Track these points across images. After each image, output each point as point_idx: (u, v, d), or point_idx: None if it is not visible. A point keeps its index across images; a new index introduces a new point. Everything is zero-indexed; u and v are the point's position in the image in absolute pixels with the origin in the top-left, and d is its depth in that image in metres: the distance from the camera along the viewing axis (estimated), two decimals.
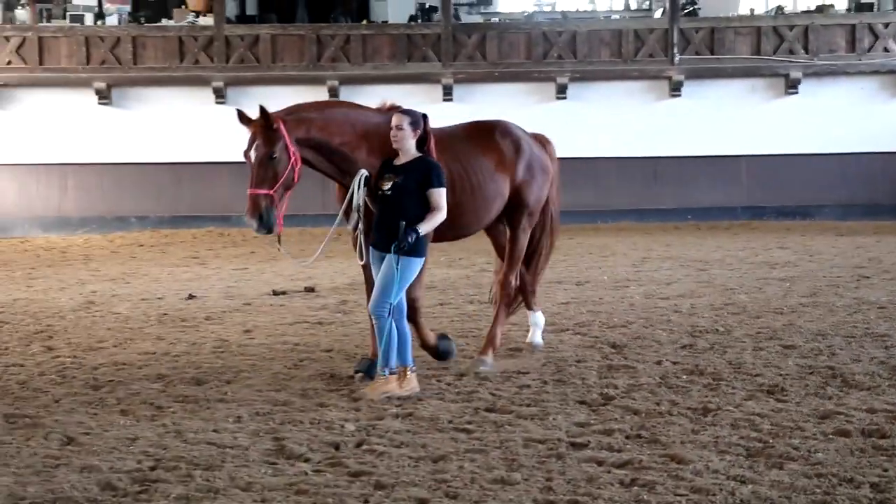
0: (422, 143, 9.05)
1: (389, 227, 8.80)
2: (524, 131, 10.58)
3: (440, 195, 8.89)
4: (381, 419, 8.15)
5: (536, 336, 10.94)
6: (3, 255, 21.38)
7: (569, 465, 6.91)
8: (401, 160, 9.01)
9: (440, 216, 8.89)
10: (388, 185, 8.88)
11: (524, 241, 10.42)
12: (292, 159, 8.94)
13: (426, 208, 8.85)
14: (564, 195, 25.26)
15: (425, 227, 8.80)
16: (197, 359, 10.67)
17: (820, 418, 8.00)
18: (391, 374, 8.85)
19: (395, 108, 9.58)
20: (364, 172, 9.04)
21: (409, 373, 8.92)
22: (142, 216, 25.66)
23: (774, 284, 15.27)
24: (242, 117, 9.08)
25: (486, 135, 10.18)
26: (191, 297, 14.96)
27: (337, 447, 7.45)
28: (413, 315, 9.42)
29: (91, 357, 10.85)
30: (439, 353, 9.90)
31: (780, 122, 26.73)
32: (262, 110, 8.92)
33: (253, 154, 8.90)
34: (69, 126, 26.60)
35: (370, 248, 9.03)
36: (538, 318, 11.05)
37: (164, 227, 25.14)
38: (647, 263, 18.18)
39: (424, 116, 9.11)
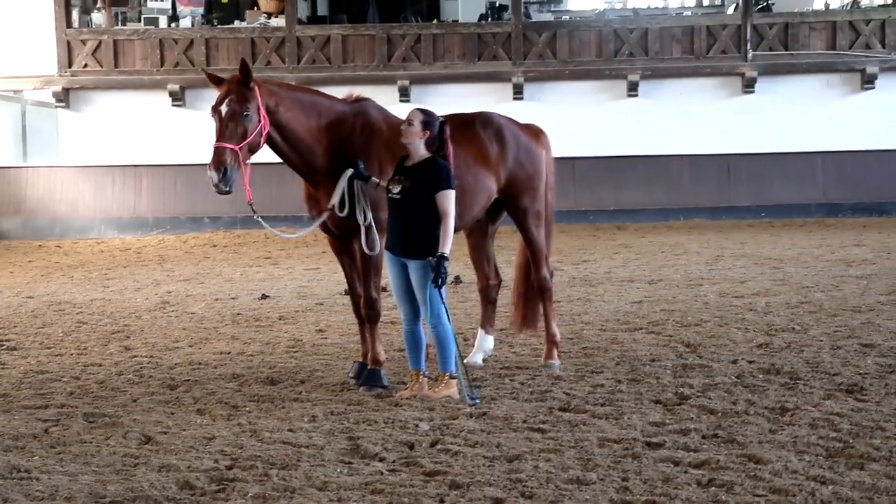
0: (439, 149, 8.77)
1: (402, 231, 8.71)
2: (510, 121, 10.22)
3: (447, 198, 8.63)
4: (455, 418, 8.14)
5: (477, 357, 10.18)
6: (80, 257, 21.69)
7: (645, 465, 6.86)
8: (411, 161, 8.81)
9: (451, 222, 8.64)
10: (397, 189, 8.72)
11: (540, 236, 10.13)
12: (262, 122, 8.83)
13: (437, 212, 8.66)
14: (636, 193, 25.75)
15: (447, 246, 8.60)
16: (271, 358, 10.74)
17: None
18: (452, 377, 8.82)
19: (360, 100, 9.50)
20: (349, 172, 8.97)
21: (448, 378, 8.85)
22: (215, 216, 25.87)
23: (851, 282, 15.06)
24: (212, 77, 8.96)
25: (466, 126, 9.79)
26: (264, 296, 15.06)
27: (411, 446, 7.45)
28: (374, 317, 9.35)
29: (167, 357, 10.96)
30: (370, 373, 9.29)
31: (856, 117, 26.41)
32: (244, 64, 8.82)
33: (224, 108, 8.73)
34: (143, 128, 26.98)
35: (386, 250, 8.91)
36: (488, 342, 10.39)
37: (237, 228, 25.35)
38: (721, 261, 18.01)
39: (442, 122, 8.85)
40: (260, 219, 9.37)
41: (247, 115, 8.75)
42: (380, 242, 9.16)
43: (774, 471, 6.66)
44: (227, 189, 8.68)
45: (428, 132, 8.72)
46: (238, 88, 8.81)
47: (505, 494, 6.35)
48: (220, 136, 8.72)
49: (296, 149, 9.17)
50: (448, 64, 26.87)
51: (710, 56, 26.71)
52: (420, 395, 8.75)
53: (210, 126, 8.94)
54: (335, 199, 9.03)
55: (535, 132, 10.39)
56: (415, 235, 8.67)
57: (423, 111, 8.86)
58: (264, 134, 8.90)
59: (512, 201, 10.03)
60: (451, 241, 8.66)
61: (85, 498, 6.38)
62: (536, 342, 11.00)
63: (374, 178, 9.06)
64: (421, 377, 8.90)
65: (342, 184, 9.03)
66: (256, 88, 8.86)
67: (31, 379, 9.94)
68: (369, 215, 9.04)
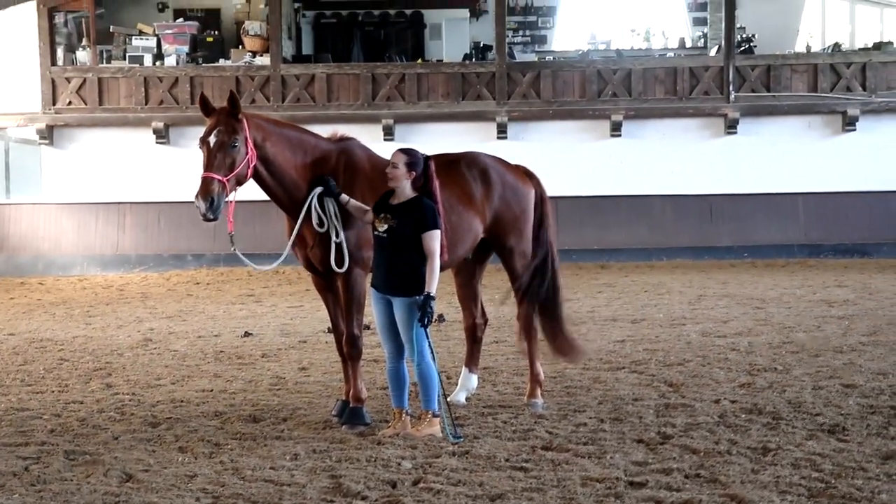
0: (424, 186, 8.82)
1: (387, 270, 8.74)
2: (497, 160, 10.25)
3: (432, 238, 8.65)
4: (437, 457, 8.13)
5: (460, 395, 10.20)
6: (63, 294, 21.61)
7: None
8: (396, 200, 8.83)
9: (436, 262, 8.65)
10: (383, 228, 8.75)
11: (526, 277, 10.15)
12: (249, 154, 8.87)
13: (422, 251, 8.68)
14: (619, 232, 25.87)
15: (433, 285, 8.60)
16: (253, 396, 10.71)
17: (883, 458, 7.89)
18: (435, 416, 8.82)
19: (345, 139, 9.57)
20: (318, 190, 9.06)
21: (431, 417, 8.85)
22: (198, 254, 25.84)
23: (833, 323, 15.10)
24: (206, 104, 8.98)
25: (451, 166, 9.82)
26: (247, 334, 15.03)
27: (394, 485, 7.43)
28: (355, 354, 9.35)
29: (149, 394, 10.92)
30: (351, 412, 9.28)
31: (837, 159, 26.57)
32: (233, 96, 8.87)
33: (213, 139, 8.78)
34: (127, 165, 26.96)
35: (372, 288, 8.93)
36: (471, 381, 10.39)
37: (220, 265, 25.30)
38: (704, 301, 18.05)
39: (427, 159, 8.89)
40: (237, 251, 9.37)
41: (235, 146, 8.80)
42: (363, 279, 9.20)
43: None
44: (214, 217, 8.71)
45: (413, 172, 8.76)
46: (227, 120, 8.86)
47: None
48: (209, 166, 8.76)
49: (281, 184, 9.21)
50: (432, 103, 26.96)
51: (692, 97, 26.86)
52: (403, 434, 8.74)
53: (194, 162, 8.96)
54: (303, 216, 9.07)
55: (523, 172, 10.42)
56: (400, 274, 8.69)
57: (405, 152, 8.89)
58: (251, 166, 8.94)
59: (498, 241, 10.06)
60: (437, 281, 8.68)
61: None
62: (520, 381, 11.01)
63: (344, 196, 9.10)
64: (404, 415, 8.90)
65: (312, 201, 9.08)
66: (245, 121, 8.91)
67: (12, 416, 9.89)
68: (342, 234, 9.07)
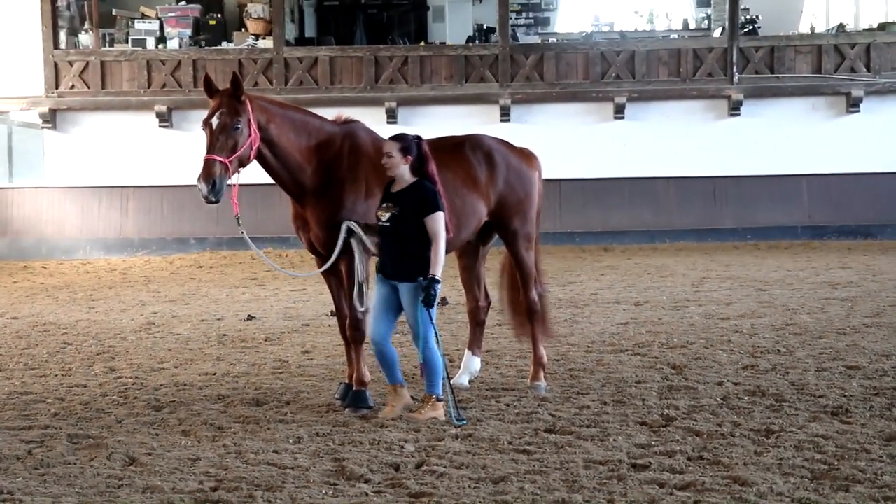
0: (420, 167, 8.80)
1: (394, 258, 8.76)
2: (501, 143, 10.24)
3: (436, 220, 8.66)
4: (440, 440, 8.14)
5: (463, 378, 10.16)
6: (66, 277, 21.63)
7: (630, 487, 6.86)
8: (397, 187, 8.83)
9: (442, 243, 8.66)
10: (386, 217, 8.76)
11: (529, 259, 10.14)
12: (252, 135, 8.88)
13: (427, 236, 8.69)
14: (623, 215, 25.90)
15: (438, 268, 8.61)
16: (257, 380, 10.72)
17: (886, 440, 7.89)
18: (438, 400, 8.82)
19: (349, 121, 9.55)
20: (346, 226, 9.00)
21: (434, 401, 8.84)
22: (201, 238, 25.81)
23: (836, 304, 15.09)
24: (209, 85, 8.99)
25: (455, 148, 9.83)
26: (250, 318, 15.03)
27: (397, 468, 7.44)
28: (359, 338, 9.35)
29: (152, 378, 10.93)
30: (354, 395, 9.31)
31: (841, 140, 26.49)
32: (235, 78, 8.85)
33: (215, 121, 8.80)
34: (130, 148, 26.93)
35: (377, 272, 8.93)
36: (474, 364, 10.38)
37: (223, 249, 25.29)
38: (707, 283, 18.03)
39: (418, 139, 8.88)
40: (245, 234, 9.36)
41: (237, 128, 8.79)
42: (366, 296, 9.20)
43: (760, 493, 6.66)
44: (216, 200, 8.72)
45: (409, 157, 8.75)
46: (229, 101, 8.86)
47: None
48: (211, 148, 8.77)
49: (286, 166, 9.21)
50: (435, 86, 26.91)
51: (696, 79, 26.79)
52: (406, 417, 8.75)
53: (198, 145, 8.95)
54: (336, 252, 9.06)
55: (527, 155, 10.40)
56: (406, 260, 8.70)
57: (396, 138, 8.89)
58: (254, 148, 8.93)
59: (502, 224, 10.04)
60: (442, 264, 8.67)
61: None
62: (522, 364, 11.01)
63: (369, 225, 9.07)
64: (399, 389, 8.91)
65: (341, 238, 9.05)
66: (248, 103, 8.91)
67: (15, 400, 9.91)
68: (362, 272, 9.05)
